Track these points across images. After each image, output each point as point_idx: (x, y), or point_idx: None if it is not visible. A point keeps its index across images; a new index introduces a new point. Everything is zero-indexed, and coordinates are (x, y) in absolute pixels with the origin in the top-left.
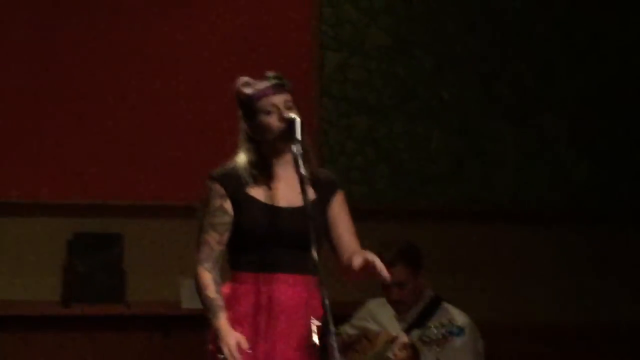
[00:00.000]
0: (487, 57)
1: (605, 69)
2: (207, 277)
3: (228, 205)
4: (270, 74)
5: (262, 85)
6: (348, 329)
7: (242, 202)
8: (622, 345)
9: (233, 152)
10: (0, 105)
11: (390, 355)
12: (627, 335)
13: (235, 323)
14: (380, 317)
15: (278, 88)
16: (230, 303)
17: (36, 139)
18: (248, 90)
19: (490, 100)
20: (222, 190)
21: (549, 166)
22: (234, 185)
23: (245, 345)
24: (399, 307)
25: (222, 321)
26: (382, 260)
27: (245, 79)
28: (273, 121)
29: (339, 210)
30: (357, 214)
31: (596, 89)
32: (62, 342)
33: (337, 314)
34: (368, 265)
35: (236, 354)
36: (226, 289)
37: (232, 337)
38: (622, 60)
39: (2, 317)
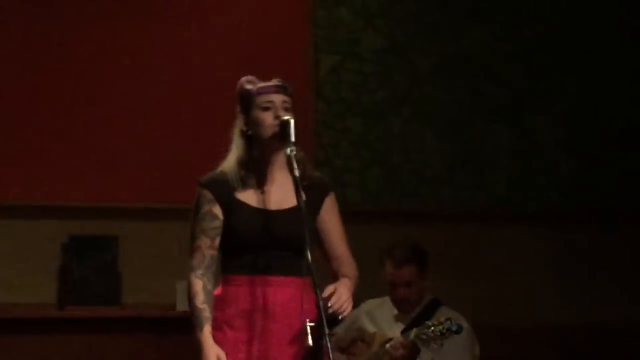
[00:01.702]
0: (480, 58)
1: (597, 69)
2: (198, 286)
3: (217, 210)
4: (274, 79)
5: (264, 83)
6: (342, 332)
7: (231, 206)
8: (618, 345)
9: (227, 155)
10: None
11: (386, 357)
12: (621, 335)
13: (225, 325)
14: (377, 317)
15: (279, 88)
16: (222, 305)
17: (32, 141)
18: (249, 86)
19: (483, 102)
20: (210, 195)
21: (541, 167)
22: (223, 190)
23: None
24: (403, 306)
25: (206, 334)
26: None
27: (250, 77)
28: (267, 118)
29: (330, 214)
30: (351, 216)
31: (588, 89)
32: (58, 344)
33: (330, 318)
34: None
35: None
36: (218, 291)
37: (212, 353)
38: (614, 61)
39: None
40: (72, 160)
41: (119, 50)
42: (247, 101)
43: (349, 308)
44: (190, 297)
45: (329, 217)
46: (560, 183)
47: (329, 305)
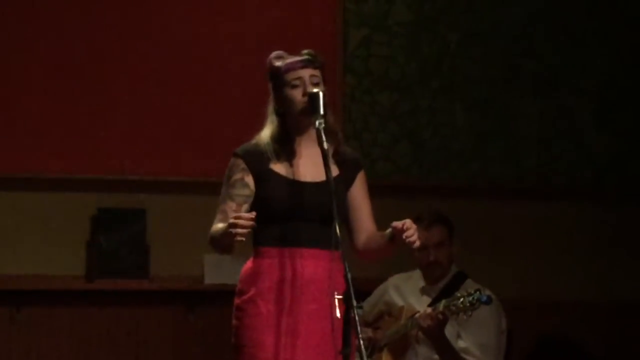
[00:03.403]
0: (510, 32)
1: (631, 45)
2: (216, 226)
3: (249, 179)
4: (304, 51)
5: (292, 59)
6: (369, 307)
7: (264, 177)
8: None
9: (258, 128)
10: (27, 82)
11: (413, 331)
12: None
13: (259, 297)
14: (404, 291)
15: (307, 63)
16: (254, 278)
17: (62, 115)
18: (278, 63)
19: (514, 76)
20: (243, 165)
21: (572, 143)
22: (257, 161)
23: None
24: (433, 272)
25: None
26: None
27: (279, 52)
28: (297, 95)
29: (360, 191)
30: (380, 190)
31: (621, 64)
32: (86, 316)
33: (358, 290)
34: (403, 228)
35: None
36: (249, 264)
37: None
38: None
39: (27, 291)
40: (100, 133)
41: (149, 24)
42: (276, 79)
43: (418, 242)
44: (210, 235)
45: (360, 192)
46: (592, 159)
47: (405, 235)
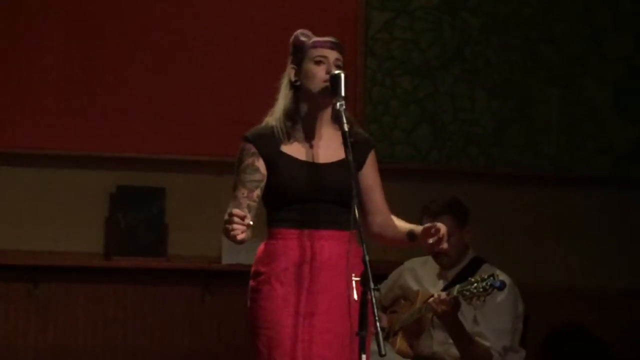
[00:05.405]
0: (533, 19)
1: None
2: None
3: (260, 163)
4: (328, 36)
5: (319, 38)
6: (385, 291)
7: (277, 160)
8: None
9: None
10: (47, 59)
11: (428, 316)
12: None
13: (274, 279)
14: (420, 275)
15: (334, 45)
16: (269, 260)
17: (82, 93)
18: (304, 38)
19: (536, 63)
20: (253, 149)
21: (593, 130)
22: (267, 144)
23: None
24: (442, 261)
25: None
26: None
27: (305, 30)
28: (319, 71)
29: (372, 171)
30: (400, 174)
31: None
32: (104, 294)
33: (375, 273)
34: (432, 231)
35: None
36: (263, 246)
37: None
38: None
39: (45, 267)
40: (121, 111)
41: (170, 3)
42: (300, 53)
43: (446, 245)
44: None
45: (371, 172)
46: (612, 146)
47: (432, 240)
